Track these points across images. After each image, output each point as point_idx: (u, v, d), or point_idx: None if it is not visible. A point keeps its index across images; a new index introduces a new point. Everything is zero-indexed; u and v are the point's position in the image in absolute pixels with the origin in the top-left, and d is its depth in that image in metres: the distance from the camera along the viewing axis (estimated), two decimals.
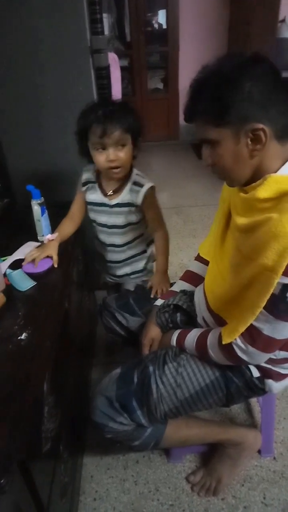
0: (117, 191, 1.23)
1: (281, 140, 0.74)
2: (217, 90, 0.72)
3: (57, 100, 1.43)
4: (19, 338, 0.86)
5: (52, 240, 1.19)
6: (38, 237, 1.27)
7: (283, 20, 3.01)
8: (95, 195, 1.26)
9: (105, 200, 1.24)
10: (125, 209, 1.24)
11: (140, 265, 1.40)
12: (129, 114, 1.10)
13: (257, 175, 0.77)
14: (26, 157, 1.52)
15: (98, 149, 1.10)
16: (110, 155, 1.09)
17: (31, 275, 1.08)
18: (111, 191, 1.23)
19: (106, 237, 1.32)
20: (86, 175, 1.27)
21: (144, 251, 1.39)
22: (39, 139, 1.48)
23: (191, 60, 3.79)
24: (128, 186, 1.22)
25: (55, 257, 1.14)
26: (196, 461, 1.24)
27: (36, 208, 1.22)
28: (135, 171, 1.23)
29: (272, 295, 0.72)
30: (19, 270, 1.11)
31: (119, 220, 1.26)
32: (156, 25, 4.17)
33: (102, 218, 1.28)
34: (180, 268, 2.14)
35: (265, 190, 0.74)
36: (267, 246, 0.70)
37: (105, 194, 1.24)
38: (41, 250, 1.15)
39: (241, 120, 0.71)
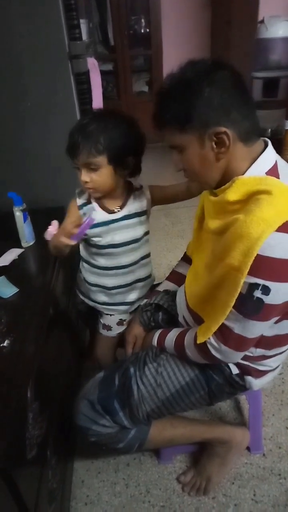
0: (123, 206, 1.09)
1: (247, 142, 0.75)
2: (180, 97, 0.74)
3: (37, 106, 1.43)
4: (1, 345, 0.86)
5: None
6: (22, 243, 1.27)
7: (262, 21, 3.05)
8: (97, 216, 1.06)
9: (111, 216, 1.08)
10: (134, 220, 1.10)
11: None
12: (106, 131, 0.94)
13: (226, 177, 0.79)
14: (7, 164, 1.52)
15: (75, 168, 1.00)
16: (82, 177, 0.98)
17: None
18: (118, 207, 1.08)
19: (109, 260, 1.13)
20: (80, 200, 1.09)
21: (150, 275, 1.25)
22: (20, 146, 1.48)
23: (175, 62, 3.71)
24: (132, 196, 1.10)
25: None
26: (187, 461, 1.24)
27: (18, 215, 1.22)
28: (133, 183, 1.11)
29: (240, 294, 0.73)
30: (2, 277, 1.10)
31: (129, 234, 1.10)
32: (140, 29, 4.18)
33: (107, 238, 1.09)
34: (168, 269, 2.12)
35: (234, 193, 0.76)
36: (233, 247, 0.72)
37: (110, 212, 1.08)
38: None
39: (203, 125, 0.73)
